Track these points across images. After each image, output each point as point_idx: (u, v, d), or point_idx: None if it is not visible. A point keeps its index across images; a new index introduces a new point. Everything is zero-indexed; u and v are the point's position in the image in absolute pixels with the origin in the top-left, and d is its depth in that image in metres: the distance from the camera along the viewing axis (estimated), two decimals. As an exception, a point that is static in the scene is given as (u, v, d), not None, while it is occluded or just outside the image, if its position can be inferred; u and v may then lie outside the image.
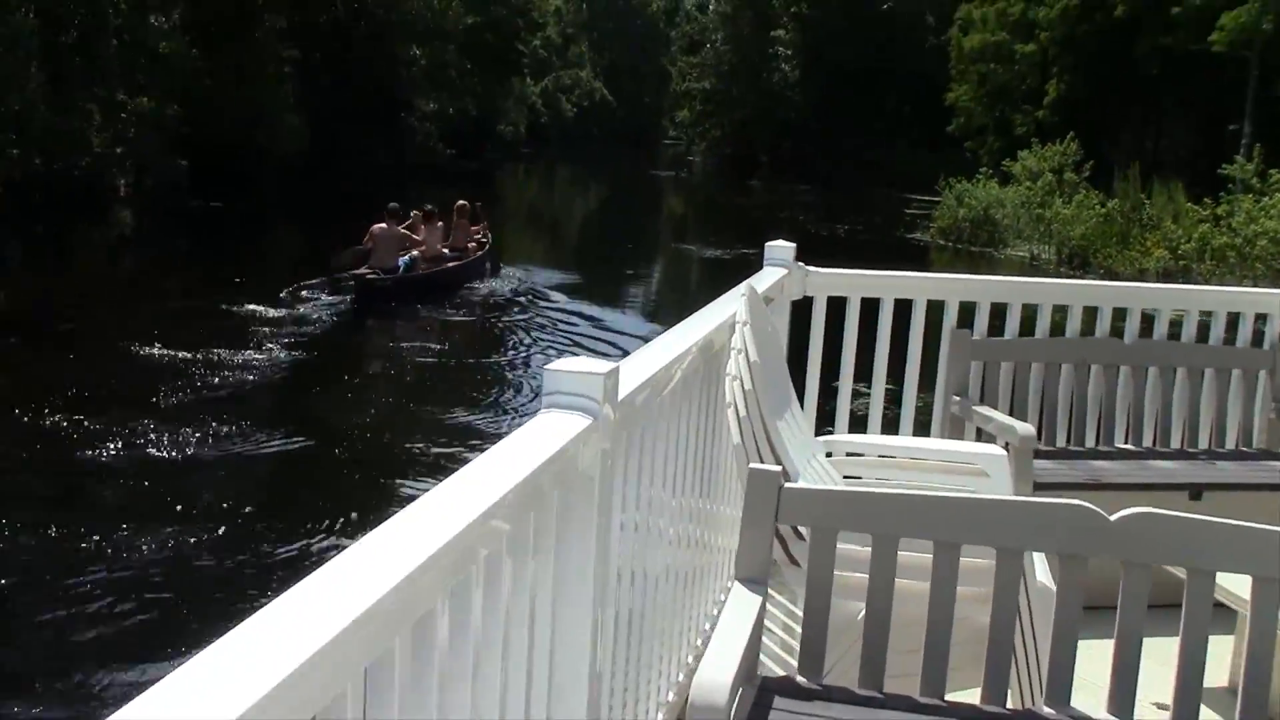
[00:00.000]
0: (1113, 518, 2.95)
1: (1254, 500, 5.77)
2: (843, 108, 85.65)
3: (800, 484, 3.68)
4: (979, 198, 41.17)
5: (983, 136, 66.00)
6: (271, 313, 21.15)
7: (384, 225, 23.61)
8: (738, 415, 3.80)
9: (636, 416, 3.07)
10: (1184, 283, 28.86)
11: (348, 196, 45.63)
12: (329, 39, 58.26)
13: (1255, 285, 27.26)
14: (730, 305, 4.34)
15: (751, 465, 3.34)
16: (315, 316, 21.73)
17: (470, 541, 1.84)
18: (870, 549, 3.09)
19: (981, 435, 6.34)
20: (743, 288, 4.39)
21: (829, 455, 4.80)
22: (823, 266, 6.34)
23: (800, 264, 6.17)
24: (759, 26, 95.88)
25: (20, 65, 33.21)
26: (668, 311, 26.10)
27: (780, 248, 6.10)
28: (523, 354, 20.21)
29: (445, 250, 25.54)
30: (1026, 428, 5.69)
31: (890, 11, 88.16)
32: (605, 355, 18.32)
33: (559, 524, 2.49)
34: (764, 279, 5.47)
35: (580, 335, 21.78)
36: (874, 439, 5.50)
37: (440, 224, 25.76)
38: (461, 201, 26.96)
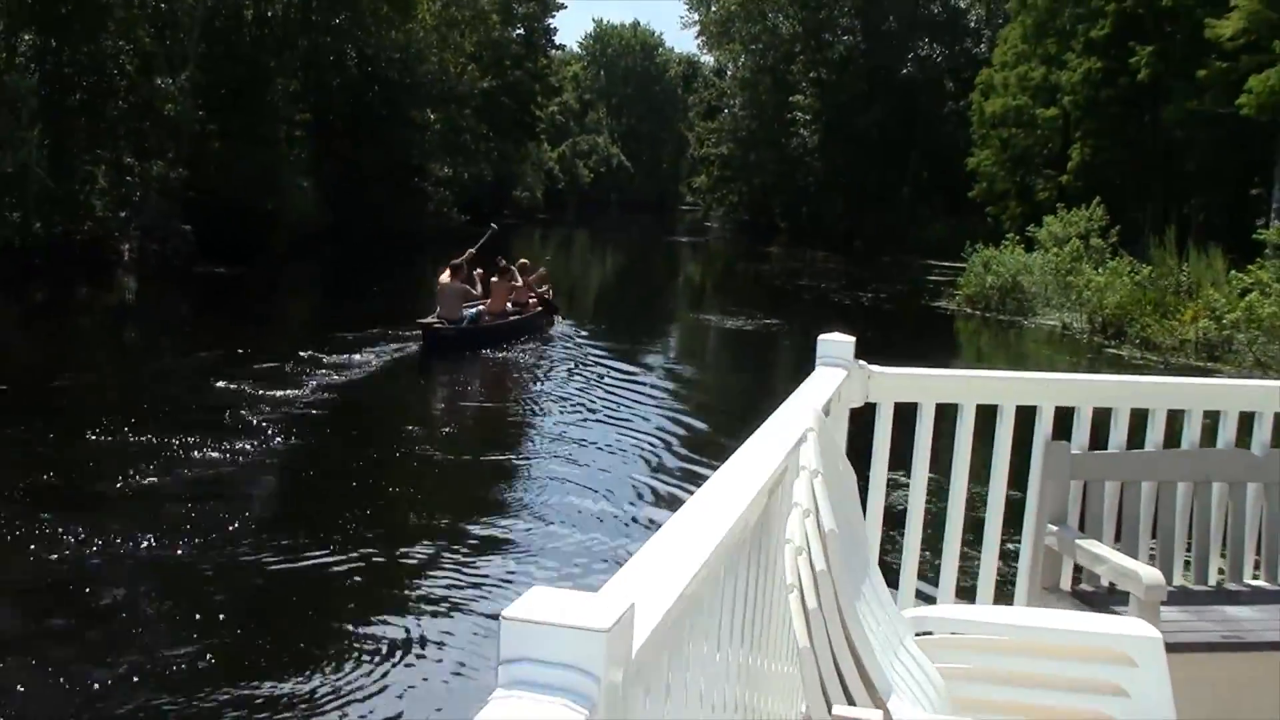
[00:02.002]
0: None
1: None
2: (862, 173, 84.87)
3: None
4: (1006, 264, 40.01)
5: (1004, 202, 64.99)
6: (276, 388, 19.60)
7: (448, 279, 25.07)
8: (805, 608, 2.62)
9: (659, 656, 1.93)
10: (1227, 354, 27.67)
11: (359, 263, 44.94)
12: (342, 102, 57.55)
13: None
14: (784, 436, 3.13)
15: (836, 712, 2.14)
16: (330, 383, 20.70)
17: None
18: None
19: (1081, 575, 5.14)
20: (808, 415, 3.18)
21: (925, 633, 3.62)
22: (877, 362, 4.99)
23: (861, 363, 4.86)
24: (778, 92, 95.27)
25: (18, 126, 32.37)
26: (695, 386, 24.96)
27: (836, 343, 4.76)
28: (566, 431, 18.69)
29: (509, 305, 27.03)
30: (1153, 574, 4.42)
31: (909, 77, 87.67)
32: (627, 470, 17.03)
33: None
34: (819, 386, 4.24)
35: (616, 413, 20.10)
36: (979, 612, 4.23)
37: (507, 280, 27.27)
38: (524, 260, 29.17)
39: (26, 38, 36.06)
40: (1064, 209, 43.84)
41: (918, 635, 3.56)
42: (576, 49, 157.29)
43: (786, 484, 3.01)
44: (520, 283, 27.96)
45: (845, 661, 2.65)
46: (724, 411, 21.85)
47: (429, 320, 24.59)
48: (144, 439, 15.56)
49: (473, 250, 26.90)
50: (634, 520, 13.09)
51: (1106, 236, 41.05)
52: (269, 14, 53.39)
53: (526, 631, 1.51)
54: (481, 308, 26.02)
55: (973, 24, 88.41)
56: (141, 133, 40.21)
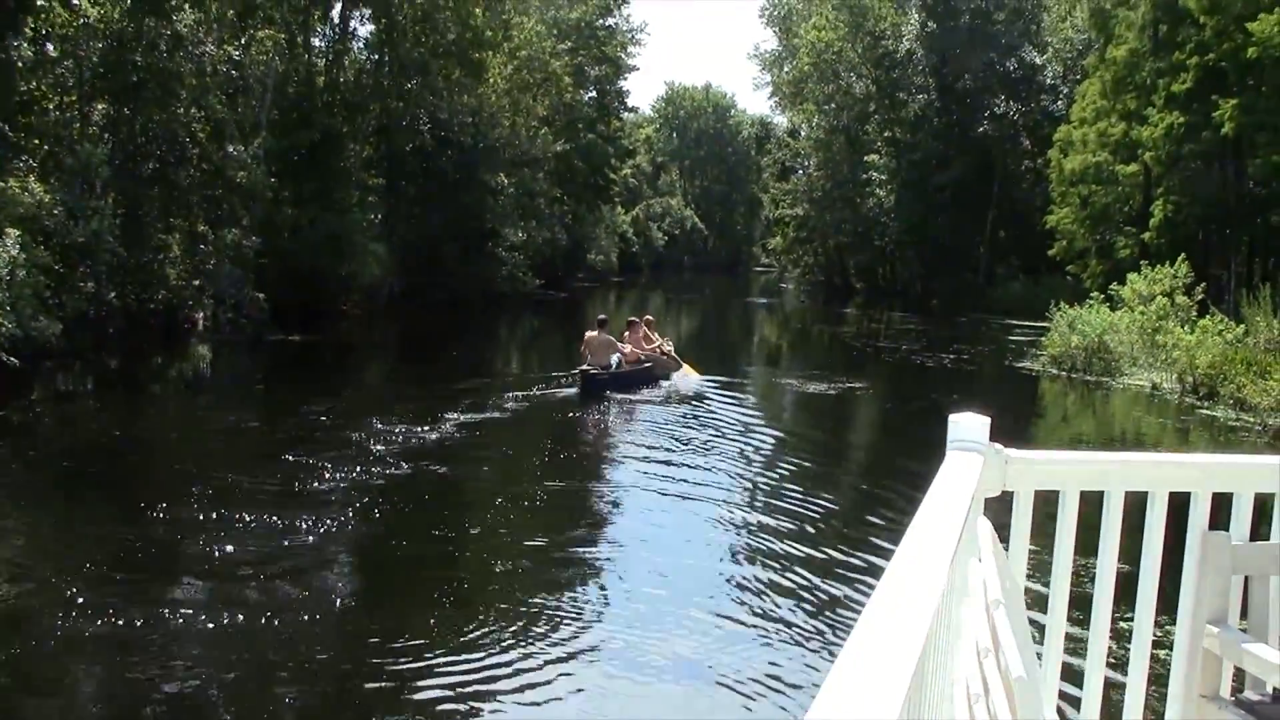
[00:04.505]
0: None
1: None
2: (939, 232, 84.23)
3: None
4: (1092, 323, 39.08)
5: (1085, 260, 64.07)
6: (358, 457, 18.89)
7: (595, 332, 29.29)
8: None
9: None
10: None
11: (432, 328, 44.75)
12: (415, 167, 57.64)
13: None
14: (940, 551, 2.41)
15: None
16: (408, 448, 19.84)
17: None
18: None
19: (1246, 683, 4.47)
20: (982, 529, 2.55)
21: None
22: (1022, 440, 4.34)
23: (997, 447, 4.16)
24: (852, 152, 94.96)
25: (91, 196, 32.36)
26: (797, 446, 24.37)
27: (968, 425, 4.06)
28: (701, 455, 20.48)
29: (640, 355, 30.70)
30: None
31: (985, 135, 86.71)
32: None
33: None
34: (961, 481, 3.53)
35: (745, 477, 19.53)
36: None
37: (638, 333, 31.36)
38: (649, 317, 34.13)
39: (100, 108, 36.17)
40: (1147, 266, 42.90)
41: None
42: (649, 112, 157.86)
43: (947, 608, 2.38)
44: (651, 335, 32.06)
45: None
46: (839, 476, 22.04)
47: (585, 366, 28.17)
48: (221, 511, 15.03)
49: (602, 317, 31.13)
50: (772, 623, 11.90)
51: (1192, 294, 40.12)
52: (340, 80, 53.75)
53: None
54: (620, 356, 29.33)
55: (1049, 80, 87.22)
56: (214, 200, 40.19)
